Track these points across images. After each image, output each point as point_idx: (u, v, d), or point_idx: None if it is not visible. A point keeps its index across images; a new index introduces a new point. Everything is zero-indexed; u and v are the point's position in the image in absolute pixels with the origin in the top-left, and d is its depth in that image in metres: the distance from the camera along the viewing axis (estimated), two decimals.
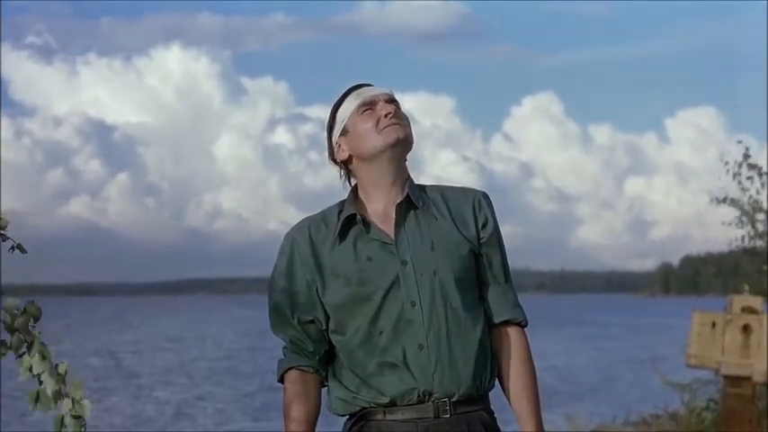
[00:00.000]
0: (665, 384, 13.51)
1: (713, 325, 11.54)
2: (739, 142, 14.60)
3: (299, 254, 2.71)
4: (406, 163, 2.78)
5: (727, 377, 11.42)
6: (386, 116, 2.73)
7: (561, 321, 65.08)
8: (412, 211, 2.72)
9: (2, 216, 1.96)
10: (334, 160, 2.81)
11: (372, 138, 2.72)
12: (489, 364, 2.68)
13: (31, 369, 1.87)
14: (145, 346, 44.22)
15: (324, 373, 2.72)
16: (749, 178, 14.29)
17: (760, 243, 14.59)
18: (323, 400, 2.72)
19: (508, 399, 2.72)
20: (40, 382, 1.88)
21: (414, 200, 2.72)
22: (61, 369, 1.88)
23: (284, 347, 2.73)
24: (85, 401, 1.91)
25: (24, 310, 1.85)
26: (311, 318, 2.70)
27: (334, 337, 2.70)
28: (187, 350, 41.85)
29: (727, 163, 14.36)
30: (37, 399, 1.87)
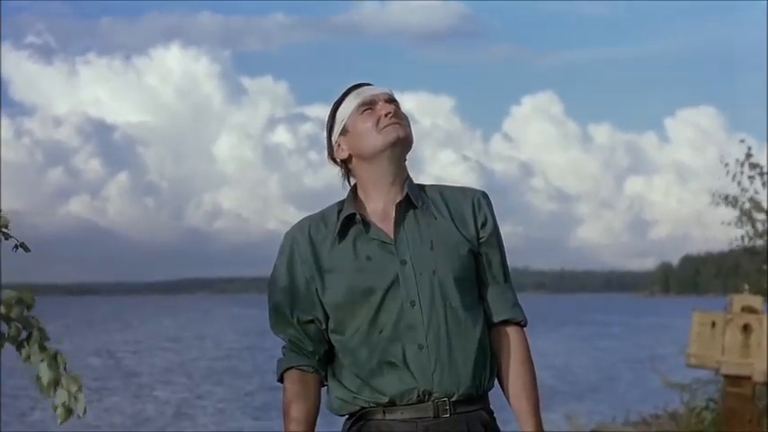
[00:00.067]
0: (665, 384, 13.52)
1: (713, 324, 11.54)
2: (741, 141, 14.61)
3: (299, 253, 2.71)
4: (406, 163, 2.78)
5: (727, 377, 11.43)
6: (386, 116, 2.73)
7: (561, 321, 65.09)
8: (411, 211, 2.72)
9: (2, 215, 1.96)
10: (334, 160, 2.81)
11: (372, 137, 2.72)
12: (489, 364, 2.68)
13: (29, 358, 1.87)
14: (145, 346, 44.23)
15: (323, 373, 2.72)
16: (750, 177, 14.30)
17: (760, 242, 14.60)
18: (322, 400, 2.72)
19: (508, 398, 2.72)
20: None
21: (413, 199, 2.72)
22: (60, 359, 1.89)
23: (284, 347, 2.73)
24: (80, 395, 1.91)
25: (19, 298, 1.85)
26: (311, 317, 2.70)
27: (333, 337, 2.70)
28: (187, 350, 41.86)
29: (727, 164, 14.38)
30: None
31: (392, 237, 2.68)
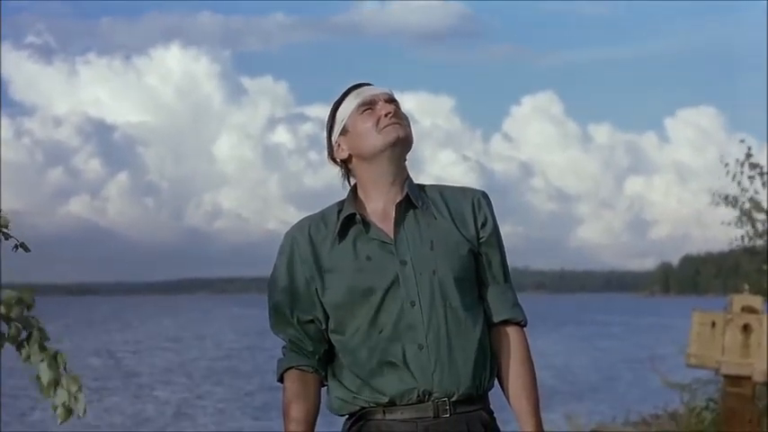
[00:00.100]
0: (665, 384, 13.52)
1: (713, 324, 11.54)
2: (742, 141, 14.62)
3: (299, 253, 2.71)
4: (406, 163, 2.78)
5: (727, 377, 11.43)
6: (386, 116, 2.73)
7: (561, 321, 65.10)
8: (411, 211, 2.72)
9: (2, 215, 1.96)
10: (334, 159, 2.81)
11: (372, 137, 2.72)
12: (489, 364, 2.68)
13: (29, 358, 1.87)
14: (145, 346, 44.23)
15: (323, 373, 2.72)
16: (750, 177, 14.30)
17: (760, 242, 14.60)
18: (322, 400, 2.72)
19: (507, 398, 2.72)
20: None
21: (413, 199, 2.72)
22: (60, 359, 1.88)
23: (284, 347, 2.73)
24: (80, 395, 1.91)
25: (19, 298, 1.85)
26: (311, 317, 2.70)
27: (333, 337, 2.70)
28: (187, 350, 41.86)
29: (726, 164, 14.38)
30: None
31: (392, 237, 2.68)
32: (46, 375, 1.86)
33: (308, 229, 2.73)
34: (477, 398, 2.66)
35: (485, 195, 2.80)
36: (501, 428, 2.70)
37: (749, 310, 11.66)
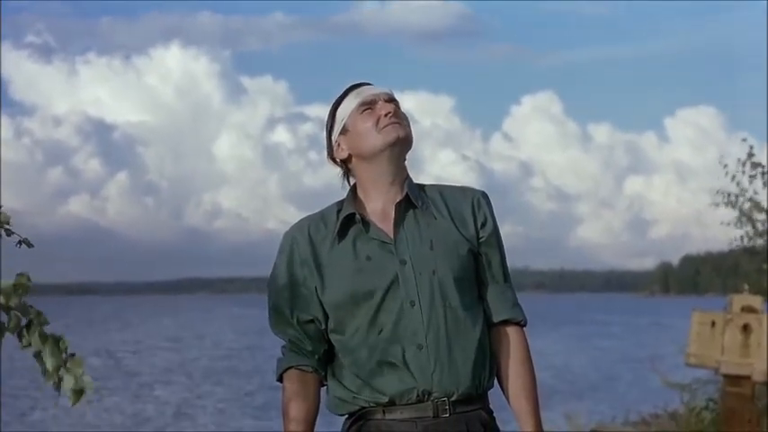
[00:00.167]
0: (665, 384, 13.53)
1: (713, 324, 11.55)
2: (743, 140, 14.62)
3: (299, 253, 2.71)
4: (406, 162, 2.78)
5: (726, 376, 11.44)
6: (385, 115, 2.73)
7: (560, 321, 65.09)
8: (411, 211, 2.72)
9: (2, 211, 1.95)
10: (334, 159, 2.81)
11: (372, 137, 2.72)
12: (488, 364, 2.68)
13: (30, 345, 1.86)
14: (145, 346, 44.26)
15: (323, 373, 2.72)
16: (751, 177, 14.30)
17: (760, 242, 14.60)
18: (322, 400, 2.72)
19: (507, 398, 2.72)
20: (42, 361, 1.88)
21: (413, 199, 2.72)
22: (62, 344, 1.88)
23: (283, 347, 2.73)
24: (87, 377, 1.91)
25: (15, 285, 1.85)
26: (310, 317, 2.70)
27: (333, 337, 2.70)
28: (187, 349, 41.88)
29: (726, 165, 14.38)
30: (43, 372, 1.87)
31: (392, 237, 2.68)
32: (49, 361, 1.85)
33: (307, 229, 2.73)
34: (476, 398, 2.66)
35: (484, 195, 2.80)
36: (501, 428, 2.70)
37: (749, 309, 11.68)
